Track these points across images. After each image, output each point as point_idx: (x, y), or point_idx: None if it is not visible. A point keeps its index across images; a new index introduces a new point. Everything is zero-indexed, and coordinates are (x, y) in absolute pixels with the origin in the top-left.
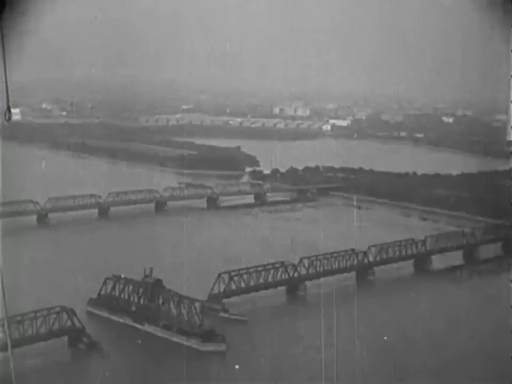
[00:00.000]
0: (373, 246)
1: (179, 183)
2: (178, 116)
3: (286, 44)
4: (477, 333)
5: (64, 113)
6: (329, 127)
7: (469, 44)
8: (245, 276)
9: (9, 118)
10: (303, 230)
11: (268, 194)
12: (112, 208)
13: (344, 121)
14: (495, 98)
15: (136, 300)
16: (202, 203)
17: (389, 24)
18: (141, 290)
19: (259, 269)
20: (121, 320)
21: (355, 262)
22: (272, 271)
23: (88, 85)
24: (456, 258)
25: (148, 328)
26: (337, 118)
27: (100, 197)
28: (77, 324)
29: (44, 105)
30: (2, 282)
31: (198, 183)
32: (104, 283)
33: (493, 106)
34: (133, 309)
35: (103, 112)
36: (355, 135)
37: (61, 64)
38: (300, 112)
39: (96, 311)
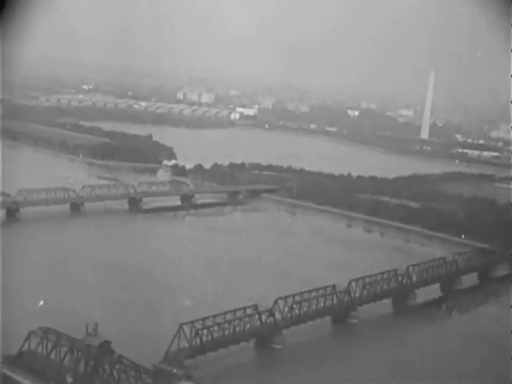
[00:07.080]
0: (354, 280)
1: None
2: (80, 96)
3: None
4: None
5: None
6: (237, 116)
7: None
8: (212, 328)
9: None
10: (237, 243)
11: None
12: (22, 209)
13: (251, 109)
14: (403, 92)
15: (72, 366)
16: (124, 204)
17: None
18: (80, 354)
19: (227, 317)
20: None
21: (335, 301)
22: (244, 319)
23: None
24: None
25: None
26: (243, 106)
27: (8, 195)
28: None
29: None
30: None
31: (114, 177)
32: (28, 338)
33: (397, 100)
34: (69, 380)
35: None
36: (266, 126)
37: None
38: (204, 99)
39: (14, 376)
